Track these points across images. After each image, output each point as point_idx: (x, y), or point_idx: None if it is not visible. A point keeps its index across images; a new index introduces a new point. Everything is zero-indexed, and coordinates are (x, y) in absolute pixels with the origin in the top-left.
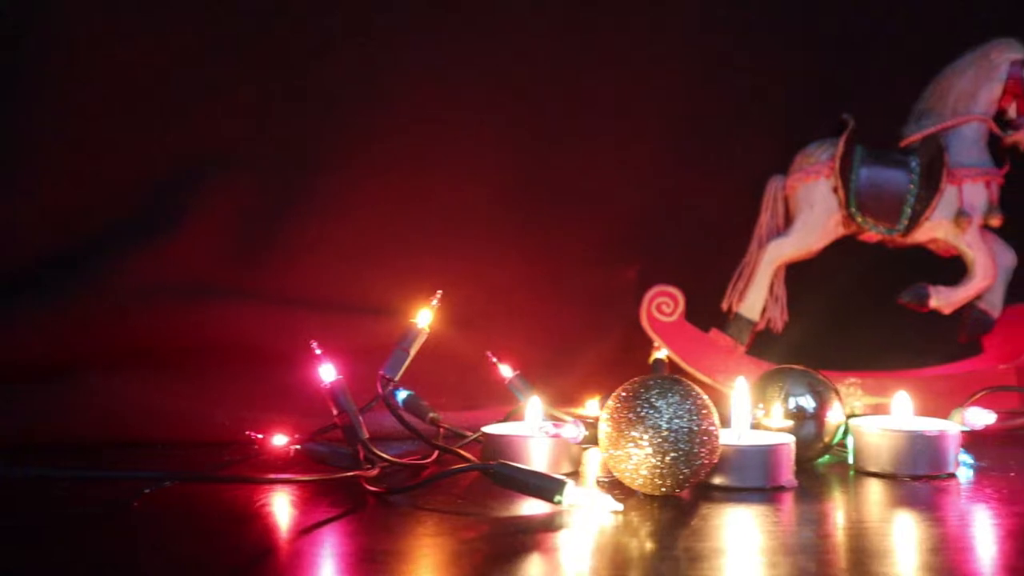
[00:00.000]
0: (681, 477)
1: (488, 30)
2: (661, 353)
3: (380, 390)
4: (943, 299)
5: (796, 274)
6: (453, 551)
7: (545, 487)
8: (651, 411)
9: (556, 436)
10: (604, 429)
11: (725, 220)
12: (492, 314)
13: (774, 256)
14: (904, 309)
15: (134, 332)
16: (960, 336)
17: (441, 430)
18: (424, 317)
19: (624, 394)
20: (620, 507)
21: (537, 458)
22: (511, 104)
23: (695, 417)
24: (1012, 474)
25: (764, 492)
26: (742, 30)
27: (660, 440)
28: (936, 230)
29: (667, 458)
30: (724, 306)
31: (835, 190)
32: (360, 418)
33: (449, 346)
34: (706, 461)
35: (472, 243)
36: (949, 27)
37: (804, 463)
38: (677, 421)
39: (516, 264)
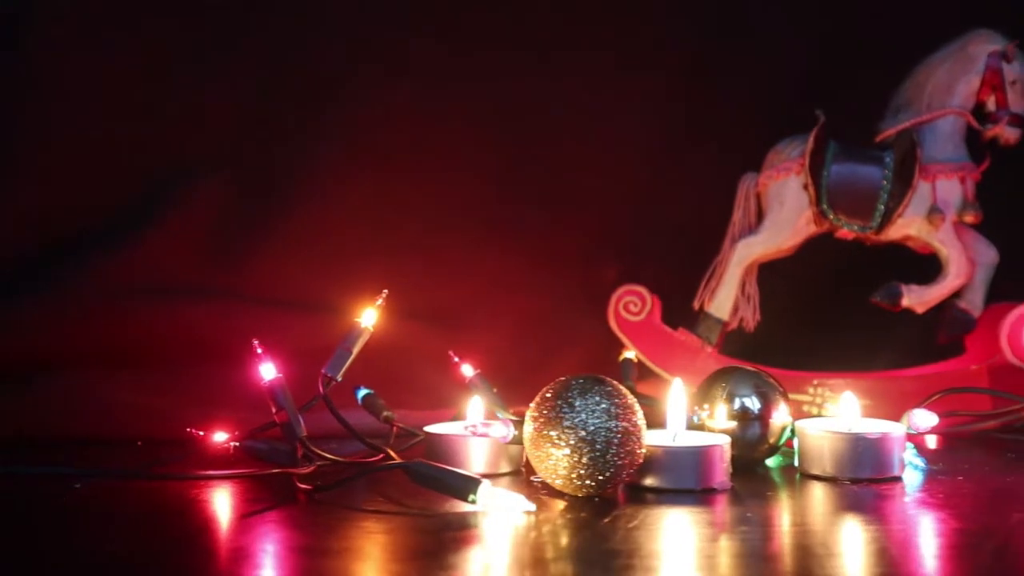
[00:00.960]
0: (601, 478)
1: (465, 33)
2: (630, 353)
3: (321, 389)
4: (915, 298)
5: (783, 272)
6: (364, 547)
7: (459, 486)
8: (569, 411)
9: (484, 435)
10: (527, 429)
11: (705, 220)
12: (471, 314)
13: (744, 255)
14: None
15: (103, 331)
16: (940, 336)
17: (395, 429)
18: (368, 316)
19: (547, 393)
20: (533, 508)
21: (476, 457)
22: (489, 107)
23: (614, 417)
24: (960, 478)
25: (695, 494)
26: (720, 32)
27: (577, 440)
28: (909, 227)
29: (584, 458)
30: (696, 305)
31: (805, 187)
32: (299, 416)
33: (426, 345)
34: (625, 462)
35: (451, 243)
36: (933, 20)
37: (751, 464)
38: (594, 421)
39: (495, 264)
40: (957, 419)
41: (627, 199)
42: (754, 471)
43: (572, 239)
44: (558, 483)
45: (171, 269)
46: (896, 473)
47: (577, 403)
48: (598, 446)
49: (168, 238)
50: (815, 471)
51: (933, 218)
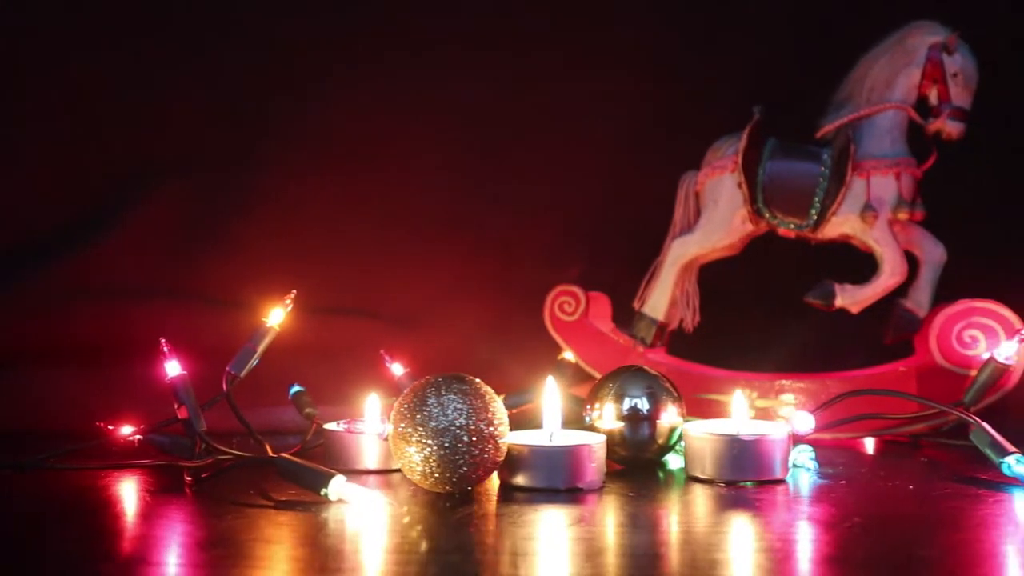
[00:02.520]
0: (451, 475)
1: (429, 38)
2: (568, 354)
3: (224, 386)
4: (849, 298)
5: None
6: (217, 535)
7: (314, 480)
8: (422, 408)
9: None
10: (392, 426)
11: (665, 221)
12: (433, 314)
13: (679, 254)
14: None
15: (54, 330)
16: (886, 337)
17: (314, 426)
18: (275, 316)
19: (409, 391)
20: (387, 503)
21: (368, 454)
22: (450, 108)
23: (466, 416)
24: (843, 482)
25: (560, 493)
26: (682, 33)
27: (428, 437)
28: (844, 225)
29: (434, 455)
30: (635, 304)
31: (739, 185)
32: (199, 411)
33: (392, 344)
34: (478, 460)
35: (411, 244)
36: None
37: (641, 464)
38: (445, 419)
39: (455, 264)
40: (881, 422)
41: (589, 199)
42: (649, 472)
43: (533, 239)
44: (416, 479)
45: (130, 271)
46: (778, 476)
47: (431, 401)
48: (446, 444)
49: (127, 240)
50: (696, 473)
51: (866, 216)
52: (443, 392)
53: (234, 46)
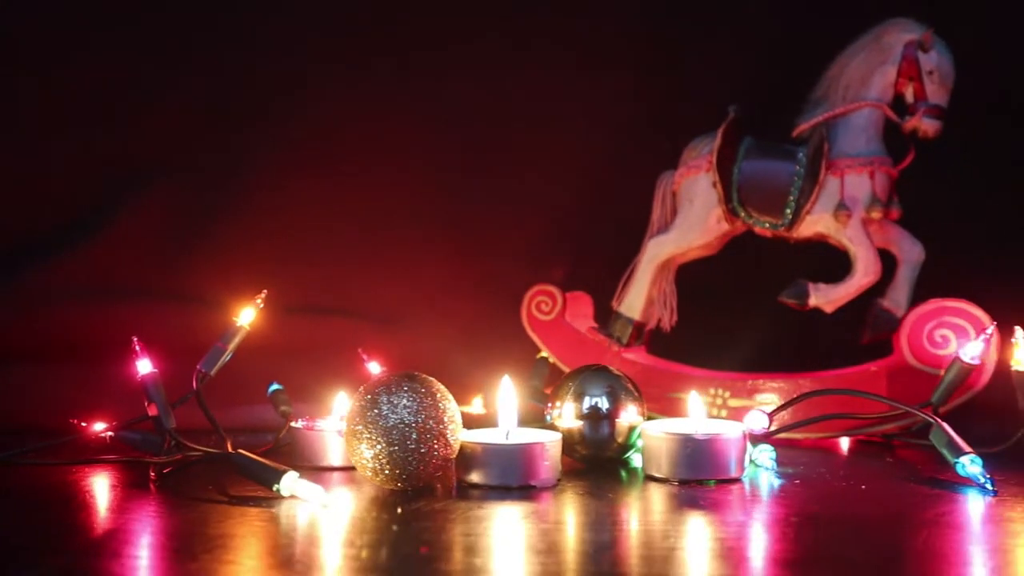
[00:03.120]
0: (400, 472)
1: (414, 37)
2: (545, 353)
3: (195, 384)
4: (822, 297)
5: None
6: (172, 529)
7: (267, 476)
8: (373, 406)
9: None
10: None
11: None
12: (417, 313)
13: (655, 254)
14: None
15: (38, 328)
16: (863, 336)
17: (287, 423)
18: (246, 315)
19: (362, 390)
20: (330, 500)
21: (332, 451)
22: (436, 108)
23: (414, 414)
24: (797, 481)
25: (512, 491)
26: (669, 33)
27: (378, 434)
28: (818, 224)
29: (383, 452)
30: (613, 304)
31: (714, 184)
32: (169, 409)
33: (378, 343)
34: (427, 457)
35: (398, 245)
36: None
37: (602, 463)
38: (394, 416)
39: (442, 264)
40: (852, 422)
41: (574, 199)
42: (610, 471)
43: (518, 239)
44: (368, 476)
45: (111, 271)
46: (733, 475)
47: (381, 399)
48: (395, 441)
49: (110, 241)
50: (653, 472)
51: (839, 215)
52: (393, 391)
53: (221, 49)
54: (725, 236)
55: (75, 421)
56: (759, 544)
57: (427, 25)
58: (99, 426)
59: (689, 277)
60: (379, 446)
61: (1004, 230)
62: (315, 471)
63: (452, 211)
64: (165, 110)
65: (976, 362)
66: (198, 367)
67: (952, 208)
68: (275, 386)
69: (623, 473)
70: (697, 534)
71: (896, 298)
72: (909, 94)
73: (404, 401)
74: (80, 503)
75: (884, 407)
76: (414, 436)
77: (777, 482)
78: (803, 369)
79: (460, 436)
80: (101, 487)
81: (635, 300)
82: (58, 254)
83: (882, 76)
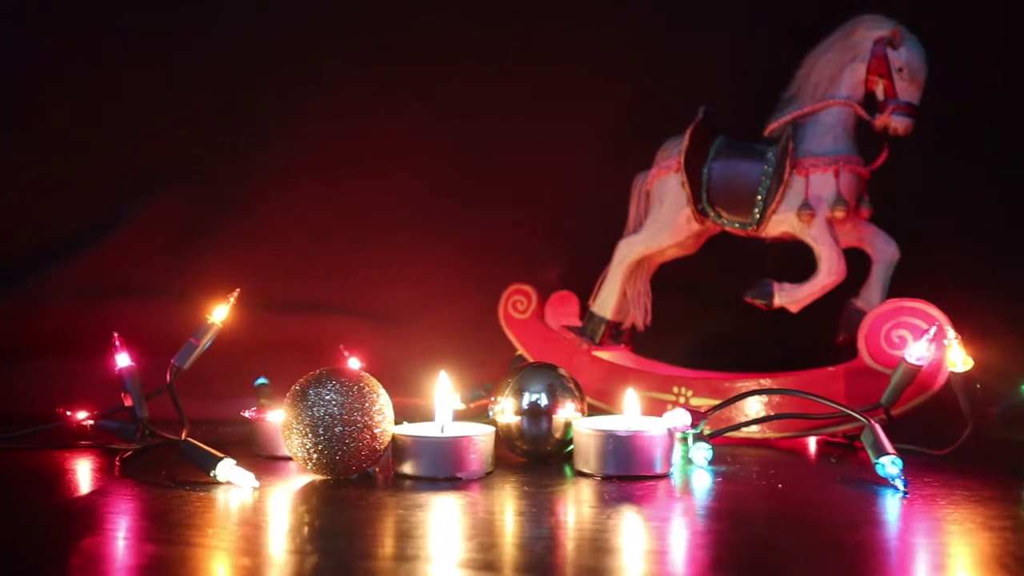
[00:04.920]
0: (331, 462)
1: (416, 41)
2: (521, 350)
3: (168, 377)
4: (787, 297)
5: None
6: (112, 508)
7: (206, 462)
8: (303, 399)
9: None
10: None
11: None
12: (414, 312)
13: (625, 254)
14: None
15: (46, 325)
16: (837, 336)
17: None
18: (219, 313)
19: (297, 384)
20: (257, 484)
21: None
22: (435, 112)
23: (341, 407)
24: (719, 479)
25: (437, 482)
26: (664, 36)
27: (307, 426)
28: (783, 224)
29: (310, 442)
30: (590, 303)
31: (683, 184)
32: (143, 400)
33: (373, 340)
34: (353, 448)
35: (396, 246)
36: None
37: (541, 458)
38: (320, 409)
39: (438, 265)
40: (808, 423)
41: (570, 201)
42: (549, 466)
43: (513, 240)
44: (301, 464)
45: (125, 272)
46: (659, 471)
47: (310, 393)
48: (321, 432)
49: (117, 245)
50: (581, 467)
51: (802, 214)
52: (322, 385)
53: (223, 58)
54: (700, 236)
55: (61, 410)
56: (640, 539)
57: (425, 32)
58: (81, 415)
59: (682, 275)
60: (307, 437)
61: (964, 228)
62: (270, 460)
63: (448, 213)
64: (169, 118)
65: (921, 363)
66: (172, 361)
67: (909, 207)
68: (261, 380)
69: (567, 469)
70: (590, 527)
71: (870, 297)
72: (880, 91)
73: (331, 395)
74: (50, 484)
75: (833, 408)
76: (339, 429)
77: (704, 480)
78: (781, 369)
79: (390, 429)
80: (72, 470)
81: (607, 300)
82: (63, 258)
83: (851, 74)
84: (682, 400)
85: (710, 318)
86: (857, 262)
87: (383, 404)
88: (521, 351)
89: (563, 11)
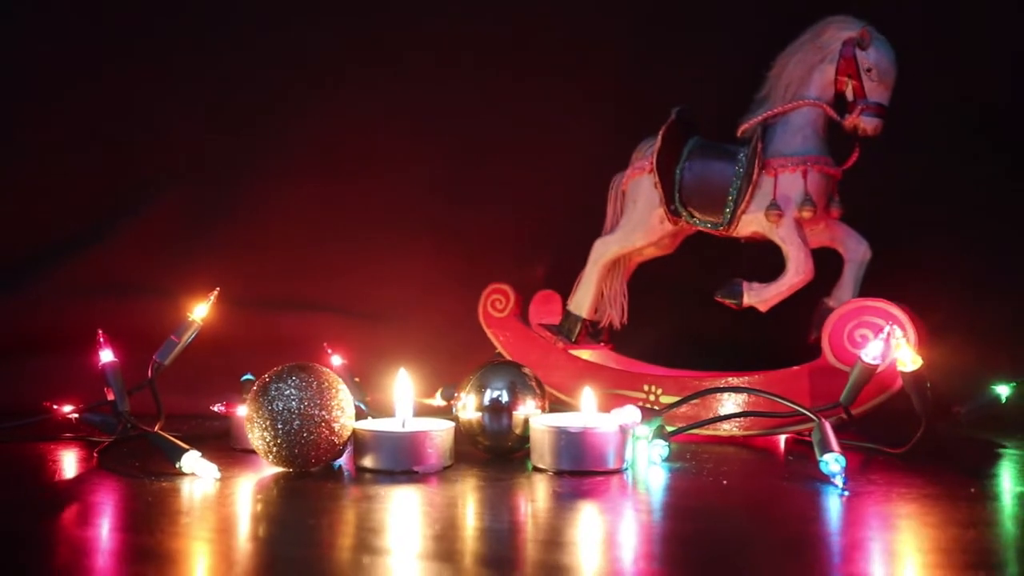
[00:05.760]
0: (291, 454)
1: (409, 44)
2: (499, 348)
3: (149, 373)
4: (756, 296)
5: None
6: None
7: (173, 453)
8: (264, 394)
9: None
10: None
11: None
12: (404, 310)
13: (600, 253)
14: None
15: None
16: (810, 335)
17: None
18: (199, 310)
19: (260, 380)
20: (219, 475)
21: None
22: (427, 114)
23: (300, 402)
24: (668, 476)
25: (395, 475)
26: (655, 38)
27: (267, 420)
28: (752, 224)
29: (269, 435)
30: (568, 302)
31: (656, 185)
32: (124, 394)
33: (362, 338)
34: (311, 442)
35: (387, 245)
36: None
37: (502, 453)
38: (280, 403)
39: (428, 264)
40: (773, 421)
41: (558, 201)
42: (508, 461)
43: (501, 240)
44: (263, 456)
45: (126, 271)
46: (611, 467)
47: (271, 387)
48: (279, 426)
49: (120, 244)
50: (537, 463)
51: (769, 214)
52: (282, 380)
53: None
54: (676, 236)
55: (47, 404)
56: (595, 531)
57: (417, 36)
58: (67, 408)
59: (666, 274)
60: (267, 430)
61: (930, 226)
62: (244, 453)
63: (436, 213)
64: (165, 120)
65: (877, 362)
66: (154, 357)
67: (877, 206)
68: (247, 376)
69: (528, 464)
70: (533, 519)
71: (841, 297)
72: (849, 92)
73: (290, 390)
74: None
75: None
76: (297, 423)
77: (657, 476)
78: (757, 368)
79: (349, 423)
80: (53, 460)
81: (583, 299)
82: (61, 258)
83: (821, 75)
84: (652, 398)
85: (694, 318)
86: (832, 262)
87: (342, 400)
88: (500, 349)
89: (551, 13)
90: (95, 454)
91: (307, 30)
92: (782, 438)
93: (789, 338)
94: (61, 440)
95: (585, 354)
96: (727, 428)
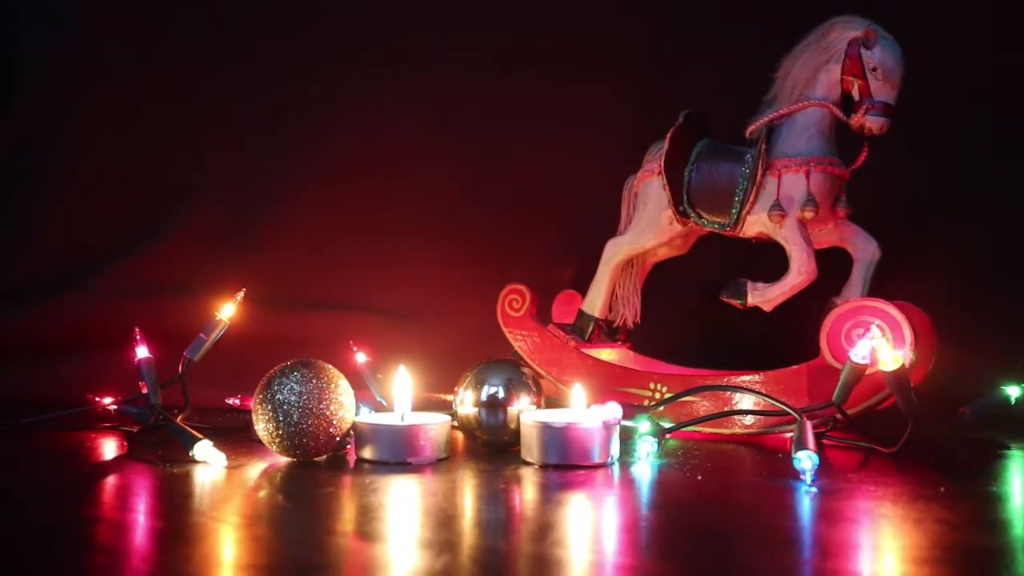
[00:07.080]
0: (292, 445)
1: (440, 50)
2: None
3: (180, 368)
4: (759, 296)
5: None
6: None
7: (187, 443)
8: (268, 388)
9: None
10: None
11: None
12: (433, 311)
13: (612, 253)
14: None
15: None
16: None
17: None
18: (227, 310)
19: (269, 372)
20: (226, 463)
21: None
22: (451, 120)
23: (300, 396)
24: (650, 471)
25: (389, 466)
26: (678, 42)
27: (269, 412)
28: (757, 224)
29: (271, 427)
30: (583, 302)
31: (664, 187)
32: (157, 388)
33: (393, 337)
34: (311, 433)
35: (417, 247)
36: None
37: (499, 447)
38: (282, 396)
39: (457, 266)
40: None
41: (582, 202)
42: (504, 455)
43: (529, 242)
44: (267, 446)
45: (161, 274)
46: (596, 461)
47: (275, 382)
48: (280, 418)
49: (159, 249)
50: (525, 457)
51: (772, 215)
52: (286, 375)
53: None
54: (688, 236)
55: (90, 396)
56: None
57: (444, 42)
58: (107, 400)
59: (695, 275)
60: (270, 422)
61: (941, 225)
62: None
63: (464, 216)
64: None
65: (866, 361)
66: (184, 354)
67: (882, 207)
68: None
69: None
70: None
71: (850, 296)
72: (855, 91)
73: (292, 384)
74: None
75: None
76: (296, 416)
77: (641, 471)
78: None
79: (348, 417)
80: (86, 447)
81: (596, 299)
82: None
83: (827, 75)
84: (657, 395)
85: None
86: (842, 262)
87: (343, 394)
88: (516, 348)
89: (576, 14)
90: (125, 443)
91: (337, 38)
92: (787, 436)
93: (804, 336)
94: (98, 429)
95: (603, 353)
96: (732, 426)
